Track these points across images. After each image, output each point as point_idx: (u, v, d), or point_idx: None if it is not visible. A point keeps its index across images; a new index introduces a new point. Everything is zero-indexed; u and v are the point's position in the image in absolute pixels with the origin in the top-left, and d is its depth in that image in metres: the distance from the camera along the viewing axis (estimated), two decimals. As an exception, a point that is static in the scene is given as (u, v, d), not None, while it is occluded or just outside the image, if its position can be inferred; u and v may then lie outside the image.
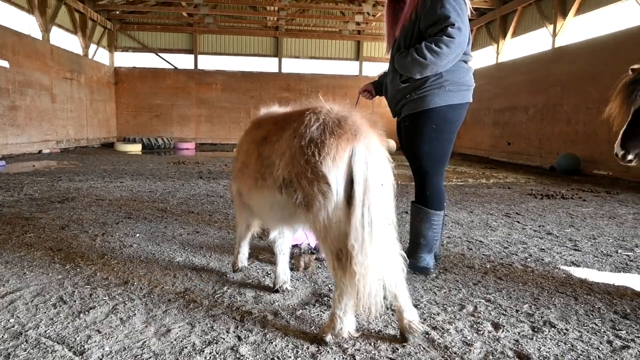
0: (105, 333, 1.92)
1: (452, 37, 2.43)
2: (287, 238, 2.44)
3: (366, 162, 1.74)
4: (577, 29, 10.43)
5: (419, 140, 2.70)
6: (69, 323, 2.01)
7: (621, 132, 2.61)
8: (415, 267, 2.78)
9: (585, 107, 9.32)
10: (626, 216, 4.86)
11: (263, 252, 3.14)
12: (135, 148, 13.62)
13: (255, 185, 2.11)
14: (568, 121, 9.90)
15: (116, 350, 1.78)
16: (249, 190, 2.21)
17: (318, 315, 2.16)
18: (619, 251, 3.46)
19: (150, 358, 1.73)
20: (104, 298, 2.29)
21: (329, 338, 1.85)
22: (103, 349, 1.79)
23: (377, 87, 3.12)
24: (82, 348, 1.79)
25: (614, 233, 4.06)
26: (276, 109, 2.40)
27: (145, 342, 1.86)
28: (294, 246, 2.75)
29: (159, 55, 16.91)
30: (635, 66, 2.61)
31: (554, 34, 10.68)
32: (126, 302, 2.25)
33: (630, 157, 2.58)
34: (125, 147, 13.54)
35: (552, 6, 10.76)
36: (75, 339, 1.87)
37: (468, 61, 2.71)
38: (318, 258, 2.87)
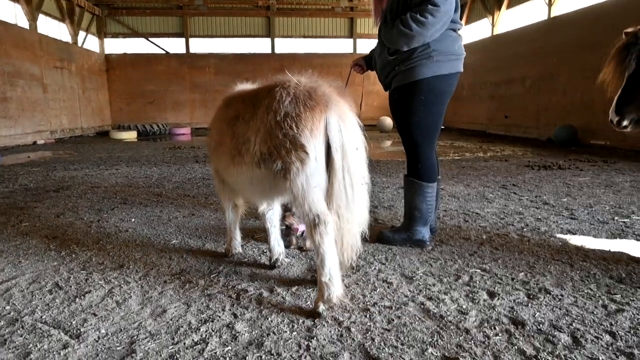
0: (101, 316, 1.93)
1: (437, 5, 2.38)
2: (276, 210, 2.48)
3: (340, 130, 1.87)
4: (573, -3, 10.24)
5: (409, 112, 2.66)
6: (64, 308, 2.01)
7: (615, 97, 2.57)
8: (411, 240, 2.78)
9: (582, 76, 9.22)
10: (623, 184, 4.85)
11: (259, 231, 3.14)
12: (131, 135, 13.53)
13: (232, 162, 2.13)
14: (564, 92, 9.81)
15: (112, 332, 1.79)
16: (227, 167, 2.24)
17: (314, 290, 2.16)
18: (615, 218, 3.47)
19: (146, 338, 1.73)
20: (100, 282, 2.29)
21: (321, 308, 1.89)
22: (99, 331, 1.79)
23: (368, 61, 3.07)
24: (78, 331, 1.80)
25: (611, 201, 4.05)
26: (244, 86, 2.41)
27: (141, 323, 1.86)
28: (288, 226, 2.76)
29: (149, 40, 16.64)
30: (629, 30, 2.55)
31: (550, 3, 10.50)
32: (122, 285, 2.25)
33: (625, 122, 2.54)
34: (120, 134, 13.45)
35: (547, -26, 10.54)
36: (71, 322, 1.87)
37: (457, 29, 2.65)
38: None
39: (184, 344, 1.69)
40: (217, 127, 2.34)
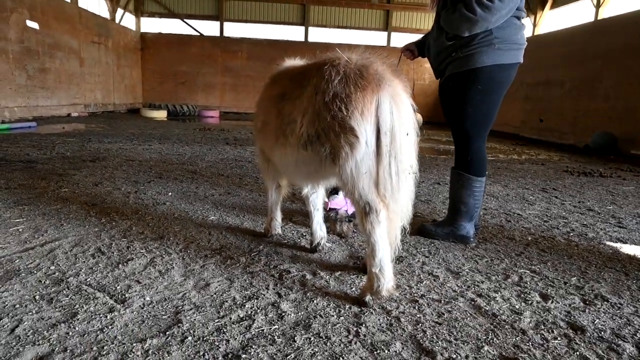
0: (145, 284, 1.91)
1: None
2: (320, 194, 2.40)
3: (391, 112, 1.72)
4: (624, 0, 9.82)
5: (463, 101, 2.55)
6: (108, 273, 2.00)
7: None
8: (454, 235, 2.69)
9: (626, 82, 8.84)
10: (671, 196, 4.62)
11: (296, 214, 3.09)
12: (161, 114, 13.68)
13: (276, 143, 2.05)
14: (607, 97, 9.44)
15: (157, 301, 1.76)
16: (271, 148, 2.16)
17: (358, 277, 2.10)
18: (667, 230, 3.29)
19: (191, 309, 1.71)
20: (141, 251, 2.28)
21: (368, 298, 1.81)
22: (144, 299, 1.77)
23: (420, 47, 2.95)
24: (123, 297, 1.78)
25: (660, 212, 3.86)
26: (292, 63, 2.28)
27: (185, 294, 1.83)
28: (331, 209, 2.68)
29: (184, 21, 16.74)
30: None
31: (598, 5, 10.09)
32: (163, 256, 2.23)
33: None
34: (151, 113, 13.61)
35: (598, -25, 10.13)
36: (116, 287, 1.86)
37: (521, 17, 2.51)
38: (355, 224, 2.80)
39: (230, 318, 1.65)
40: (262, 105, 2.27)
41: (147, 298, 1.78)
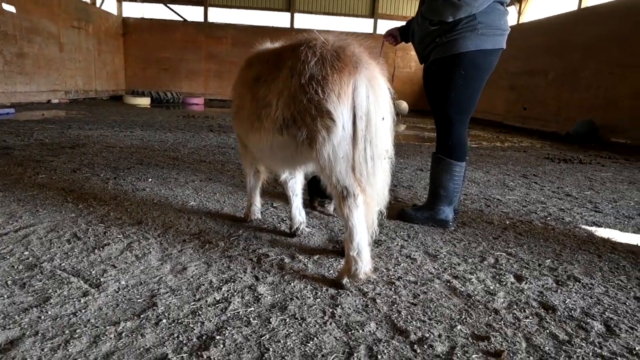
0: (121, 268, 1.89)
1: None
2: (298, 179, 2.37)
3: (367, 96, 1.70)
4: (607, -12, 9.90)
5: (446, 86, 2.56)
6: (83, 257, 1.98)
7: None
8: (434, 219, 2.71)
9: (608, 72, 8.97)
10: (647, 182, 4.73)
11: (278, 199, 3.09)
12: (144, 101, 13.45)
13: (252, 128, 2.01)
14: (588, 86, 9.57)
15: (132, 284, 1.75)
16: (246, 133, 2.12)
17: (336, 260, 2.11)
18: (641, 214, 3.37)
19: (167, 293, 1.70)
20: (118, 236, 2.26)
21: (345, 281, 1.82)
22: (119, 283, 1.76)
23: (403, 32, 2.94)
24: (98, 281, 1.76)
25: (635, 197, 3.95)
26: (268, 45, 2.22)
27: (161, 278, 1.82)
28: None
29: (167, 6, 16.40)
30: None
31: (582, -6, 10.16)
32: (141, 241, 2.21)
33: None
34: (134, 100, 13.36)
35: (582, -37, 10.17)
36: (91, 272, 1.84)
37: (504, 3, 2.52)
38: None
39: (206, 301, 1.65)
40: (238, 89, 2.22)
41: (123, 282, 1.77)
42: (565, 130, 9.69)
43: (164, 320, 1.51)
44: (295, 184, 2.37)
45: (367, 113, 1.70)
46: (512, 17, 13.38)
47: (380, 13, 16.85)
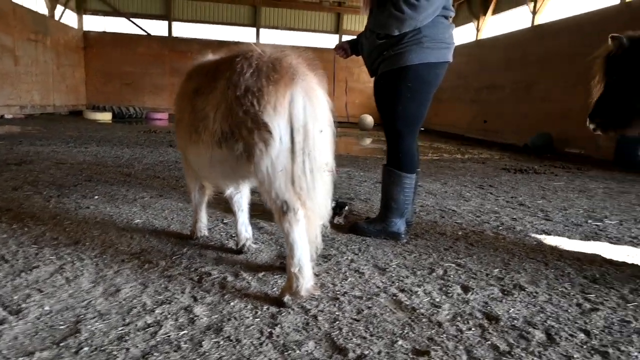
0: (48, 292, 1.76)
1: None
2: (244, 194, 2.31)
3: (304, 108, 1.67)
4: (558, 7, 10.40)
5: (394, 99, 2.57)
6: (8, 282, 1.84)
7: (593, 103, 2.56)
8: (386, 232, 2.69)
9: (561, 86, 9.35)
10: (596, 190, 4.90)
11: (229, 215, 3.00)
12: (106, 117, 13.08)
13: (190, 140, 1.96)
14: (543, 100, 9.94)
15: (57, 310, 1.63)
16: (186, 146, 2.07)
17: (282, 277, 2.05)
18: (589, 221, 3.47)
19: (94, 318, 1.59)
20: (51, 257, 2.12)
21: (287, 299, 1.76)
22: (42, 308, 1.63)
23: (353, 45, 2.96)
24: (19, 307, 1.63)
25: (584, 205, 4.07)
26: (209, 57, 2.17)
27: (90, 301, 1.71)
28: None
29: (131, 20, 16.13)
30: (615, 35, 2.49)
31: (534, 12, 10.63)
32: (75, 262, 2.08)
33: (592, 126, 2.53)
34: (94, 115, 12.97)
35: (534, -17, 10.66)
36: (13, 298, 1.71)
37: (449, 17, 2.56)
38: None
39: (136, 325, 1.55)
40: (178, 102, 2.17)
41: (47, 307, 1.65)
42: (523, 142, 10.01)
43: (86, 348, 1.40)
44: (241, 198, 2.30)
45: (305, 125, 1.66)
46: (470, 33, 13.85)
47: (345, 29, 17.12)
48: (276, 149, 1.65)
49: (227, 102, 1.72)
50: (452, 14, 2.60)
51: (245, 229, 2.34)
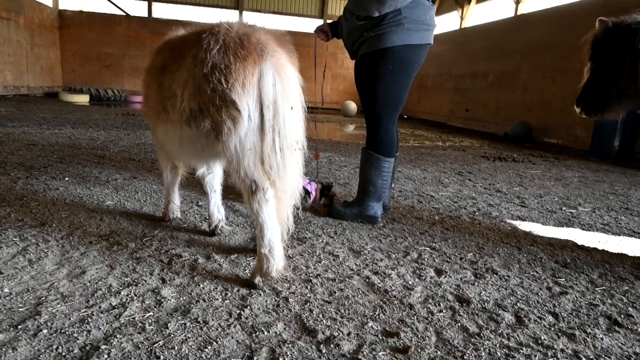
0: (8, 274, 1.70)
1: None
2: (216, 174, 2.27)
3: (274, 85, 1.63)
4: (540, -4, 10.44)
5: (374, 81, 2.53)
6: (-34, 264, 1.76)
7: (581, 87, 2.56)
8: (362, 216, 2.68)
9: (541, 75, 9.45)
10: (572, 179, 4.98)
11: (203, 198, 2.94)
12: (83, 99, 12.74)
13: (158, 119, 1.92)
14: (524, 89, 10.04)
15: (17, 292, 1.57)
16: (154, 125, 2.02)
17: (254, 259, 2.01)
18: (563, 208, 3.52)
19: (55, 300, 1.53)
20: (14, 239, 2.04)
21: (257, 280, 1.73)
22: (1, 290, 1.57)
23: (334, 28, 2.89)
24: (-24, 289, 1.57)
25: (560, 193, 4.13)
26: (178, 33, 2.09)
27: (53, 283, 1.65)
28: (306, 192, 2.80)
29: (109, 0, 15.63)
30: (603, 18, 2.46)
31: (517, 1, 10.66)
32: (39, 244, 2.01)
33: (577, 109, 2.54)
34: (71, 97, 12.62)
35: (518, -28, 10.67)
36: (-30, 279, 1.64)
37: (430, -2, 2.52)
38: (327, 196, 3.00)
39: (99, 307, 1.50)
40: (145, 79, 2.10)
41: (6, 289, 1.58)
42: (504, 130, 10.12)
43: (45, 331, 1.35)
44: (214, 179, 2.26)
45: (275, 102, 1.63)
46: (454, 21, 13.85)
47: (330, 14, 16.91)
48: (244, 127, 1.62)
49: (194, 79, 1.66)
50: (433, -5, 2.56)
51: (217, 209, 2.30)
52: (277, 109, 1.63)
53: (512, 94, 10.44)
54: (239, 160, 1.65)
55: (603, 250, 2.56)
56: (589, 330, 1.60)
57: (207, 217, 2.48)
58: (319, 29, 2.93)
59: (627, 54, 2.21)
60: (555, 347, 1.48)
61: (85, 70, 15.53)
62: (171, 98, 1.77)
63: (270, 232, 1.71)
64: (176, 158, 2.22)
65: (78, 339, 1.32)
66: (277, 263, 1.74)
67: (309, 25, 17.02)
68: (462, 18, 13.31)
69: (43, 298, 1.54)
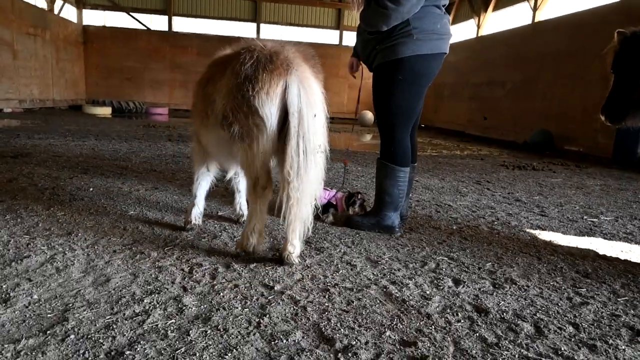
0: (37, 281, 1.76)
1: None
2: (242, 177, 2.59)
3: (299, 95, 1.88)
4: (558, 3, 10.35)
5: (386, 91, 2.56)
6: (-3, 271, 1.84)
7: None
8: (380, 226, 2.69)
9: (560, 83, 9.33)
10: (593, 187, 4.90)
11: (226, 206, 3.00)
12: (105, 111, 13.09)
13: (202, 124, 2.23)
14: (543, 97, 9.92)
15: (45, 299, 1.63)
16: (199, 129, 2.33)
17: (273, 268, 2.04)
18: (585, 217, 3.46)
19: (82, 306, 1.59)
20: (42, 247, 2.12)
21: (239, 251, 2.15)
22: (31, 297, 1.63)
23: (355, 50, 2.93)
24: (7, 296, 1.63)
25: (581, 201, 4.07)
26: (225, 51, 2.37)
27: (80, 290, 1.71)
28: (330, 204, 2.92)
29: (130, 15, 16.09)
30: (622, 30, 2.49)
31: (535, 8, 10.58)
32: (66, 252, 2.08)
33: (602, 117, 2.56)
34: (94, 109, 12.99)
35: (535, -21, 10.60)
36: (2, 287, 1.70)
37: (439, 5, 2.53)
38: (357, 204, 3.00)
39: (124, 314, 1.55)
40: (195, 90, 2.40)
41: (35, 296, 1.65)
42: (523, 139, 9.99)
43: (72, 336, 1.40)
44: (239, 182, 2.63)
45: (299, 110, 1.87)
46: (471, 30, 13.81)
47: (346, 25, 17.06)
48: (265, 131, 1.90)
49: (229, 87, 1.93)
50: (445, 2, 2.57)
51: (240, 207, 2.73)
52: (302, 116, 1.88)
53: (531, 101, 10.32)
54: (253, 160, 1.95)
55: (626, 260, 2.51)
56: (610, 342, 1.58)
57: (232, 213, 2.82)
58: (349, 65, 2.96)
59: None
60: (576, 358, 1.46)
61: (108, 83, 15.98)
62: (212, 104, 2.07)
63: (256, 219, 2.07)
64: (214, 157, 2.46)
65: (104, 345, 1.36)
66: (258, 244, 2.12)
67: (326, 36, 17.19)
68: (478, 26, 13.27)
69: (70, 305, 1.60)
